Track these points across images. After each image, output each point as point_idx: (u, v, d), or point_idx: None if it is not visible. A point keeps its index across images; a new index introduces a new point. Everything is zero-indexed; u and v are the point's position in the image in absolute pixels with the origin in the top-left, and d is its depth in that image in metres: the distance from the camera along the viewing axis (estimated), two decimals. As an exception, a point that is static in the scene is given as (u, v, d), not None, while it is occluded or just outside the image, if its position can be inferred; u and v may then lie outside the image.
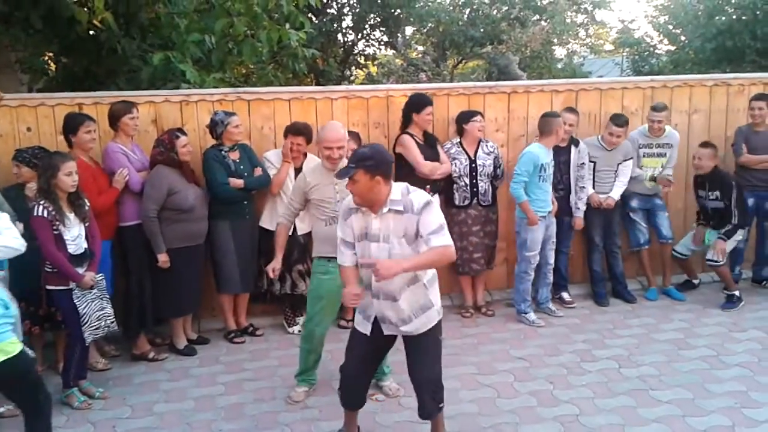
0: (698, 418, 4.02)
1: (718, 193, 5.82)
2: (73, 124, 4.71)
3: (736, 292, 5.90)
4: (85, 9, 6.37)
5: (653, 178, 6.13)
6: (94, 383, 4.53)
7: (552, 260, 5.85)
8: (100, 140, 5.13)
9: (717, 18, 13.79)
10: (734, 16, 13.87)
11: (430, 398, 3.48)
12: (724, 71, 13.01)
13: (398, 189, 3.33)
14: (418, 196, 3.31)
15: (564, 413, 4.14)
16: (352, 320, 5.57)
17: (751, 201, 6.05)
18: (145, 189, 4.89)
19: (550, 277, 5.92)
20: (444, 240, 3.24)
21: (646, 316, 5.80)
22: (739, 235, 5.88)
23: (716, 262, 5.82)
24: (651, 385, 4.48)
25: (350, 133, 5.53)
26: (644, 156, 6.12)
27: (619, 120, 5.90)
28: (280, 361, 5.06)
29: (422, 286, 3.43)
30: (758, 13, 12.99)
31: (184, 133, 5.06)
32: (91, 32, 6.95)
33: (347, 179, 3.27)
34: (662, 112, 5.97)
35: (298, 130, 5.37)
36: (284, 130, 5.44)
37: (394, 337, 3.58)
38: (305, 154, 5.44)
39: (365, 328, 3.54)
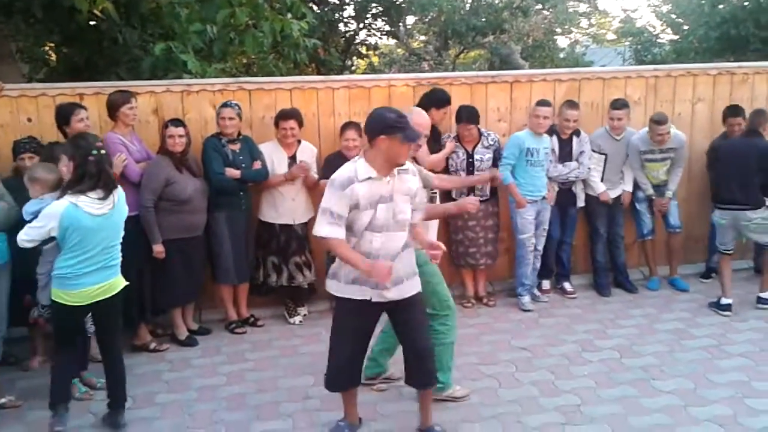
0: (700, 408, 4.02)
1: None
2: (64, 114, 4.70)
3: None
4: (87, -1, 6.34)
5: (650, 198, 6.10)
6: (96, 374, 4.51)
7: (541, 246, 5.87)
8: (101, 130, 5.13)
9: (721, 6, 13.75)
10: (738, 5, 13.80)
11: (432, 365, 3.62)
12: (728, 60, 12.96)
13: None
14: None
15: (566, 403, 4.14)
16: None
17: None
18: (143, 179, 4.89)
19: (537, 263, 5.93)
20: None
21: (647, 306, 5.80)
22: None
23: None
24: (653, 375, 4.48)
25: (351, 123, 5.52)
26: (647, 161, 6.00)
27: (617, 103, 5.87)
28: (282, 351, 5.06)
29: (411, 251, 3.60)
30: (762, 1, 12.92)
31: (177, 124, 5.01)
32: (92, 22, 6.94)
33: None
34: (665, 125, 5.77)
35: (286, 114, 5.38)
36: (274, 121, 5.45)
37: (380, 312, 3.62)
38: (299, 141, 5.43)
39: (363, 294, 3.49)
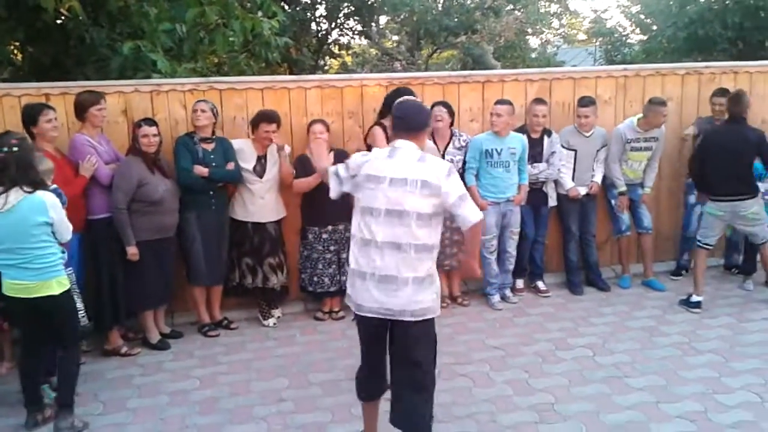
0: (671, 404, 4.07)
1: None
2: (31, 113, 4.60)
3: None
4: (52, -3, 6.21)
5: (622, 193, 6.11)
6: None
7: (511, 248, 5.89)
8: (69, 131, 5.04)
9: (689, 7, 13.94)
10: (705, 6, 14.02)
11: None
12: (696, 60, 13.17)
13: None
14: None
15: (539, 401, 4.16)
16: (328, 313, 5.64)
17: None
18: (115, 180, 4.81)
19: (509, 265, 5.95)
20: None
21: (619, 303, 5.85)
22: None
23: None
24: (625, 373, 4.52)
25: (319, 120, 5.49)
26: (631, 150, 6.05)
27: (584, 101, 5.92)
28: (255, 354, 5.02)
29: None
30: (728, 2, 13.14)
31: (150, 124, 4.95)
32: (59, 21, 6.80)
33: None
34: (664, 106, 5.87)
35: (270, 117, 5.33)
36: (253, 120, 5.40)
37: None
38: (272, 140, 5.39)
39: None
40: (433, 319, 3.27)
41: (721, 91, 6.10)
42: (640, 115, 6.02)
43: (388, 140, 5.20)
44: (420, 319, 3.20)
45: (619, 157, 6.07)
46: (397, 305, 3.16)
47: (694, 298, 5.63)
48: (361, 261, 3.22)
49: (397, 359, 3.30)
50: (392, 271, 3.14)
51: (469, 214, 3.15)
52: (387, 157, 3.25)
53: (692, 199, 6.29)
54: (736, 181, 5.48)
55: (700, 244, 5.72)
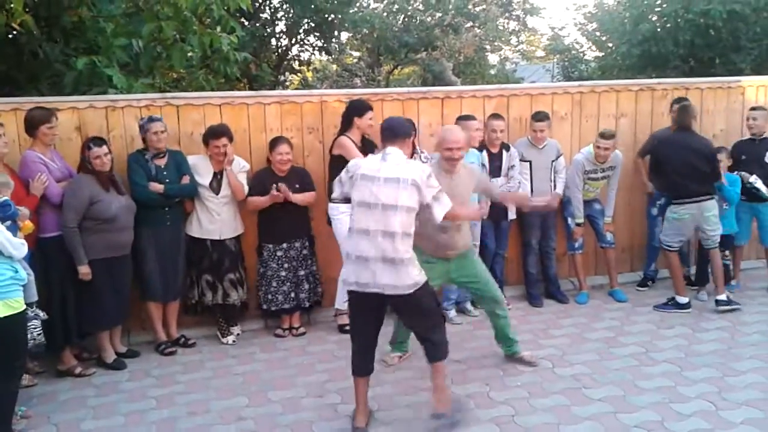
0: (629, 415, 4.11)
1: None
2: None
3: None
4: (3, 11, 6.10)
5: (578, 224, 6.20)
6: (17, 401, 4.30)
7: None
8: (20, 148, 4.93)
9: (642, 25, 14.28)
10: (658, 24, 14.40)
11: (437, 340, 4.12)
12: (650, 76, 13.52)
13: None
14: None
15: (500, 414, 4.17)
16: (288, 329, 5.58)
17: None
18: (65, 198, 4.71)
19: None
20: None
21: (578, 315, 5.92)
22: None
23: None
24: (584, 384, 4.56)
25: (282, 138, 5.48)
26: (589, 179, 6.15)
27: (539, 115, 6.02)
28: (214, 372, 4.93)
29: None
30: (680, 20, 13.52)
31: (100, 143, 4.85)
32: (11, 35, 6.67)
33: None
34: (610, 140, 5.97)
35: (217, 132, 5.29)
36: (203, 137, 5.36)
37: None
38: (225, 154, 5.31)
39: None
40: (424, 283, 3.86)
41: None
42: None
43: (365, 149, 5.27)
44: (414, 290, 3.79)
45: (580, 187, 6.16)
46: (394, 281, 3.73)
47: (682, 300, 5.85)
48: (361, 247, 3.75)
49: (408, 320, 4.14)
50: (389, 253, 3.71)
51: (437, 212, 3.86)
52: (380, 160, 3.86)
53: (654, 211, 6.44)
54: (699, 182, 5.72)
55: (666, 247, 5.92)
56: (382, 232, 3.71)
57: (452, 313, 5.87)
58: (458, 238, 4.58)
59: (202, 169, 5.34)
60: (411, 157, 5.64)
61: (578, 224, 6.21)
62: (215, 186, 5.33)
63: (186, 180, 5.21)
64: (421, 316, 3.96)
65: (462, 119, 5.68)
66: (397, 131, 3.96)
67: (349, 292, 3.92)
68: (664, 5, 14.16)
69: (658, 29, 14.25)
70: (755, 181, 6.10)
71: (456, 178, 4.48)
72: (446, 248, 4.57)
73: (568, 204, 6.25)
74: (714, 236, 5.84)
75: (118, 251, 4.92)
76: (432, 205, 3.83)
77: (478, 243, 5.88)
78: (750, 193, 6.15)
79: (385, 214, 3.72)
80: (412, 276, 3.77)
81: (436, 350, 3.98)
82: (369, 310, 3.91)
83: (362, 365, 4.01)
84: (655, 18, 14.63)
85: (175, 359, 5.18)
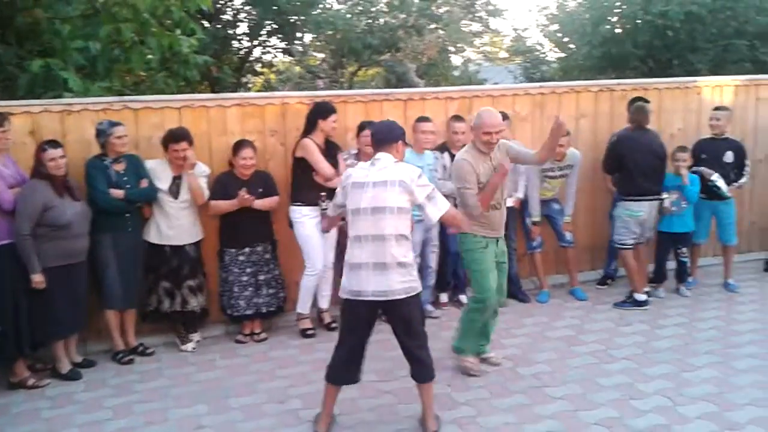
0: (589, 412, 4.16)
1: None
2: None
3: None
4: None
5: (535, 223, 6.24)
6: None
7: (432, 263, 5.94)
8: (-30, 153, 4.80)
9: (602, 27, 14.50)
10: (618, 25, 14.63)
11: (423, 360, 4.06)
12: (611, 77, 13.72)
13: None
14: None
15: (462, 415, 4.18)
16: (250, 335, 5.53)
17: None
18: (18, 205, 4.58)
19: (430, 280, 5.97)
20: None
21: (539, 314, 5.97)
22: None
23: None
24: (545, 382, 4.60)
25: (246, 141, 5.43)
26: (546, 177, 6.20)
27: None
28: (173, 380, 4.85)
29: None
30: (639, 22, 13.76)
31: (55, 146, 4.75)
32: (-39, 38, 6.51)
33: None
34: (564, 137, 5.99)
35: (177, 136, 5.22)
36: (162, 141, 5.28)
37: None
38: (185, 158, 5.22)
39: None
40: (418, 294, 3.88)
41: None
42: None
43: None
44: (406, 295, 3.77)
45: (538, 186, 6.20)
46: (390, 287, 3.72)
47: (639, 297, 5.95)
48: (354, 254, 3.78)
49: (400, 332, 3.93)
50: (380, 258, 3.71)
51: (430, 212, 3.82)
52: (369, 167, 3.88)
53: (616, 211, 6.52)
54: (654, 181, 5.89)
55: (620, 246, 6.02)
56: (373, 236, 3.72)
57: (429, 307, 5.90)
58: (503, 215, 4.68)
59: (160, 173, 5.26)
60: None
61: (535, 223, 6.24)
62: (174, 190, 5.25)
63: (144, 184, 5.13)
64: (410, 329, 3.90)
65: (418, 121, 5.72)
66: (386, 137, 3.96)
67: (343, 301, 3.92)
68: (624, 7, 14.39)
69: (618, 31, 14.48)
70: (717, 179, 6.22)
71: (494, 159, 4.56)
72: (499, 226, 4.66)
73: (526, 204, 6.30)
74: (650, 236, 6.11)
75: (73, 258, 4.81)
76: (425, 205, 3.80)
77: (437, 243, 5.90)
78: (710, 191, 6.27)
79: (375, 217, 3.72)
80: (406, 281, 3.76)
81: (426, 371, 3.95)
82: (360, 319, 3.88)
83: (344, 375, 3.98)
84: (615, 19, 14.87)
85: (132, 368, 5.09)
